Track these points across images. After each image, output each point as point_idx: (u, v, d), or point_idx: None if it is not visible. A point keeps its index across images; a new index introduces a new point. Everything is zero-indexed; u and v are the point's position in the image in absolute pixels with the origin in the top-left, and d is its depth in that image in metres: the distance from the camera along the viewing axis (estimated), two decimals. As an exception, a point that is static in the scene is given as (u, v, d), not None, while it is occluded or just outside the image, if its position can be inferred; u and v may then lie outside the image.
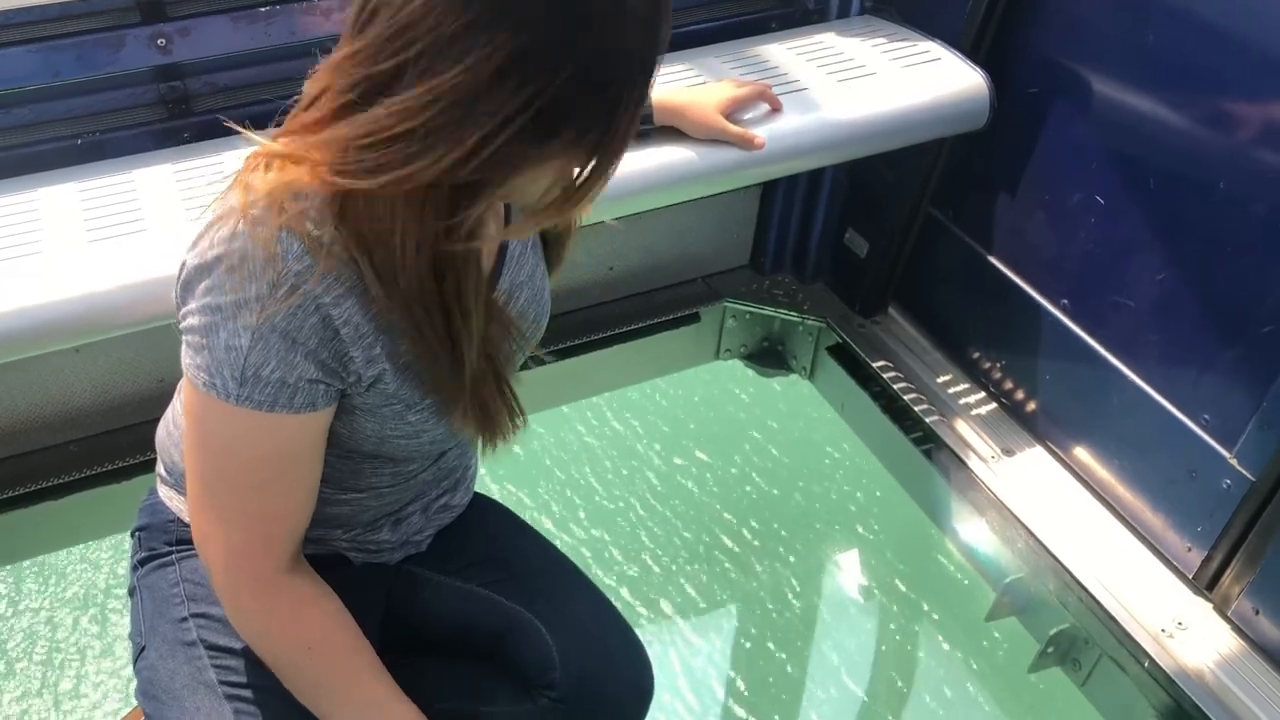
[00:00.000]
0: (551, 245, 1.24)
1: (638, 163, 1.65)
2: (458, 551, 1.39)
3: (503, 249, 1.14)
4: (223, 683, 1.18)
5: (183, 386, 1.06)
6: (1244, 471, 1.67)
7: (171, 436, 1.25)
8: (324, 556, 1.26)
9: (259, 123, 1.01)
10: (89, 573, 2.31)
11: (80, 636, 2.19)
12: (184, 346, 1.00)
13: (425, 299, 0.97)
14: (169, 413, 1.28)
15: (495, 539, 1.43)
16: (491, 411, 1.10)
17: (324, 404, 1.02)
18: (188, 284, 0.97)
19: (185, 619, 1.22)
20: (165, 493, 1.27)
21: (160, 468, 1.29)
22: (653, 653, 1.43)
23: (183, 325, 0.99)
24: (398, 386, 1.05)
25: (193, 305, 0.97)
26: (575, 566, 1.46)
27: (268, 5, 1.67)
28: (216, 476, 1.04)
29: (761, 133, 1.71)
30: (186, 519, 1.23)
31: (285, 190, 0.93)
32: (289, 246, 0.93)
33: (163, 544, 1.27)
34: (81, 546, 2.33)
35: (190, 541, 1.16)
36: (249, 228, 0.93)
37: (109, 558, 2.33)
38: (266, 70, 1.76)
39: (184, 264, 0.98)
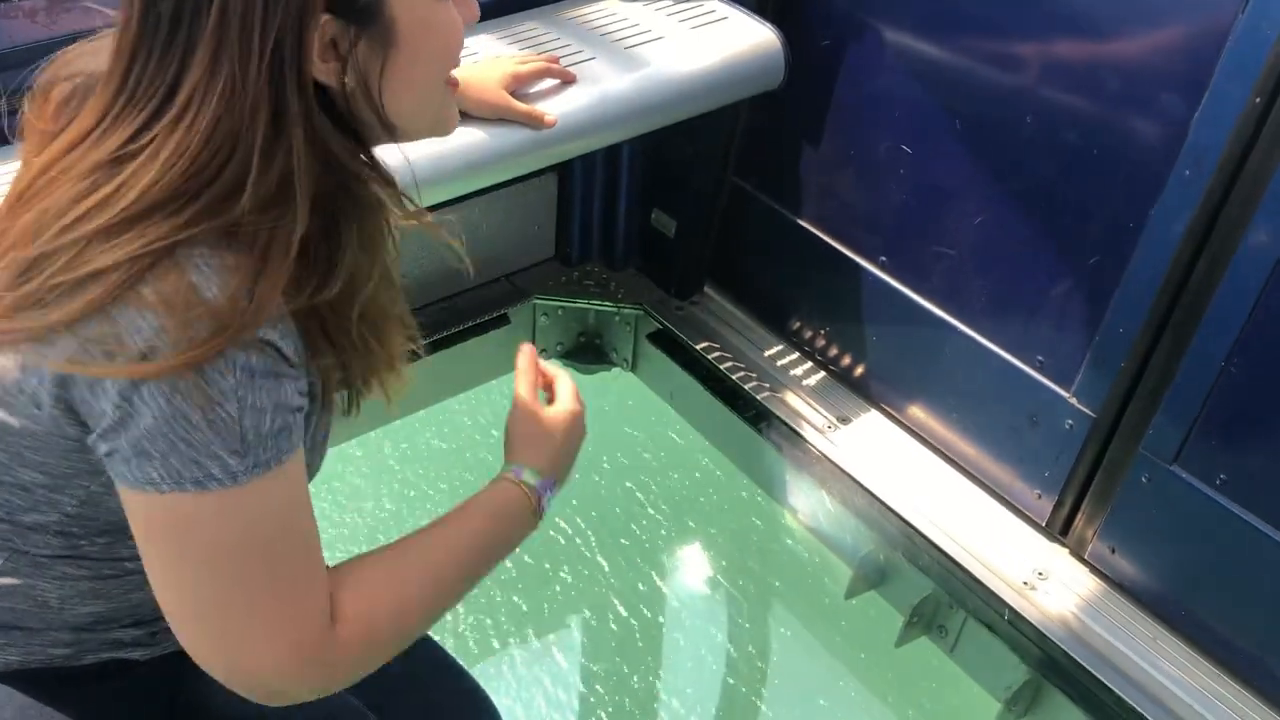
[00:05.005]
0: None
1: (414, 150, 1.46)
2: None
3: None
4: None
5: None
6: (1084, 409, 1.63)
7: None
8: (103, 664, 1.05)
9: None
10: None
11: None
12: (119, 461, 0.81)
13: None
14: None
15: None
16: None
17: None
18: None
19: None
20: None
21: None
22: (491, 688, 1.28)
23: (119, 432, 0.80)
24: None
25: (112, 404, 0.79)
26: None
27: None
28: (240, 577, 0.85)
29: (551, 109, 1.57)
30: None
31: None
32: None
33: None
34: None
35: None
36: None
37: None
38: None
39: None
